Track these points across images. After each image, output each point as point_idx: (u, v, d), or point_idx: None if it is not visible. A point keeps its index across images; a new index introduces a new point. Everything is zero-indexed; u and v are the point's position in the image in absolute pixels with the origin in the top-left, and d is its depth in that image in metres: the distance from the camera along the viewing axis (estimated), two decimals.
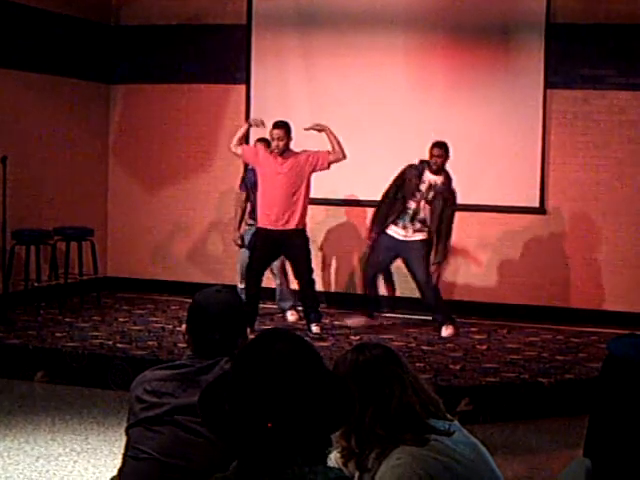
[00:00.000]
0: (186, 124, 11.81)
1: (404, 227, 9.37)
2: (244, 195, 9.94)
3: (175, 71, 11.86)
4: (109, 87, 12.18)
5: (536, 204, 10.81)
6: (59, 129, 11.30)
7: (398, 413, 2.94)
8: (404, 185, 9.35)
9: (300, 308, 9.86)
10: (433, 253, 9.41)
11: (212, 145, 11.29)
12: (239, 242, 9.92)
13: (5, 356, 8.64)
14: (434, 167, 9.27)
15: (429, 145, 9.36)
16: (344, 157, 9.18)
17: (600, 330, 9.95)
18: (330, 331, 9.62)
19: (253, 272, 9.28)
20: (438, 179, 9.32)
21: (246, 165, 10.13)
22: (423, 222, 9.35)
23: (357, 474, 2.96)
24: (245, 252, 9.77)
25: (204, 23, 11.74)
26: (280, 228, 9.05)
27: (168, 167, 11.86)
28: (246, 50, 11.58)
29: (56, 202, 11.18)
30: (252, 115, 11.45)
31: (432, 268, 9.43)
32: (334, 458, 2.98)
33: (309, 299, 9.38)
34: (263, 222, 9.14)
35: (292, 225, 9.07)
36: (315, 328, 9.32)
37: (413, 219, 9.34)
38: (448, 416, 3.07)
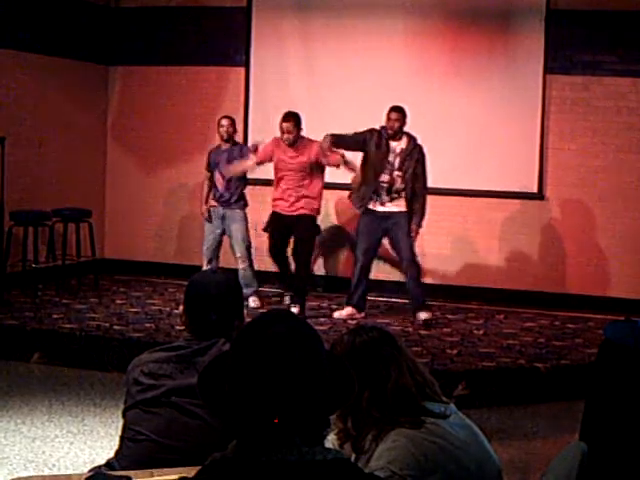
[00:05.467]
0: (185, 106, 11.80)
1: (382, 202, 9.21)
2: (209, 174, 10.06)
3: (174, 53, 11.83)
4: (108, 68, 12.16)
5: (534, 190, 10.81)
6: (58, 110, 11.28)
7: (394, 395, 2.95)
8: (369, 154, 9.18)
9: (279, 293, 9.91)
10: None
11: (211, 127, 11.24)
12: (206, 215, 10.08)
13: (2, 337, 8.63)
14: (390, 131, 9.13)
15: (386, 110, 9.24)
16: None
17: (597, 316, 9.97)
18: (327, 315, 9.68)
19: (276, 254, 9.64)
20: (401, 144, 9.19)
21: (210, 152, 10.16)
22: (399, 192, 9.19)
23: (353, 456, 2.97)
24: (209, 235, 10.02)
25: (204, 5, 11.72)
26: (291, 214, 9.39)
27: (166, 149, 11.85)
28: (246, 32, 11.56)
29: (54, 183, 11.17)
30: (252, 98, 11.48)
31: (412, 228, 9.21)
32: (331, 440, 2.99)
33: (297, 280, 9.49)
34: (277, 207, 9.50)
35: (301, 212, 9.36)
36: (294, 309, 9.13)
37: (389, 192, 9.19)
38: (444, 399, 3.08)
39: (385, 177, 9.16)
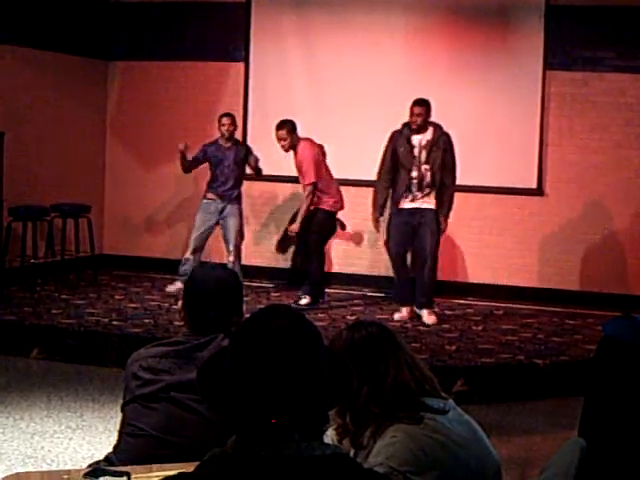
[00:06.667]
0: (184, 101, 11.78)
1: (413, 198, 9.03)
2: (191, 157, 10.29)
3: (174, 48, 11.81)
4: (107, 64, 12.14)
5: (533, 185, 10.80)
6: (57, 105, 11.27)
7: (393, 391, 2.95)
8: (397, 155, 9.03)
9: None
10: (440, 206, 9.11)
11: (210, 122, 11.22)
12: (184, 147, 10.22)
13: (1, 332, 8.63)
14: (414, 127, 8.96)
15: (410, 104, 9.08)
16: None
17: (596, 312, 9.96)
18: (328, 311, 9.69)
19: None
20: (426, 135, 9.01)
21: (208, 142, 10.40)
22: (430, 186, 9.01)
23: (352, 452, 2.97)
24: (201, 225, 10.23)
25: (203, 0, 11.70)
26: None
27: (166, 144, 11.81)
28: (245, 28, 11.54)
29: (53, 179, 11.16)
30: (251, 93, 11.48)
31: (440, 219, 9.07)
32: (330, 435, 2.99)
33: (309, 271, 9.90)
34: None
35: (314, 206, 9.75)
36: (301, 300, 9.74)
37: (420, 187, 9.00)
38: (443, 394, 3.08)
39: (414, 173, 9.01)
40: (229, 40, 11.65)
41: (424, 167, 9.01)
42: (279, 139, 9.64)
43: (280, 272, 11.48)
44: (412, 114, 9.01)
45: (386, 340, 3.07)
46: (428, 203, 9.06)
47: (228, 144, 10.16)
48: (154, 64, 11.94)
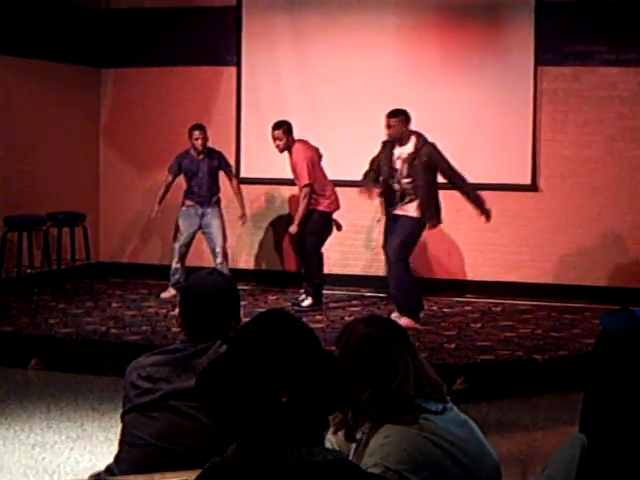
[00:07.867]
0: (177, 107, 11.77)
1: (394, 208, 8.92)
2: (171, 179, 10.51)
3: (166, 54, 11.81)
4: (100, 71, 12.13)
5: (527, 181, 10.81)
6: (50, 114, 11.25)
7: (393, 396, 2.94)
8: (379, 167, 8.95)
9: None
10: (477, 209, 8.95)
11: None
12: (157, 216, 10.61)
13: None
14: (388, 138, 8.82)
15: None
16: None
17: (593, 306, 9.97)
18: (326, 312, 9.70)
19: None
20: (407, 148, 8.78)
21: (180, 154, 10.50)
22: (412, 196, 8.81)
23: (353, 448, 2.98)
24: (185, 232, 10.44)
25: (194, 6, 11.69)
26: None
27: (160, 150, 11.80)
28: (237, 32, 11.54)
29: (47, 187, 11.14)
30: (244, 97, 11.48)
31: (483, 219, 8.93)
32: (328, 435, 2.99)
33: (308, 273, 9.97)
34: None
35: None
36: (304, 302, 9.85)
37: (402, 199, 8.86)
38: (448, 399, 3.06)
39: (396, 186, 8.85)
40: (221, 44, 11.66)
41: (404, 181, 8.81)
42: (275, 139, 9.65)
43: (276, 274, 11.48)
44: (385, 126, 8.82)
45: (398, 339, 3.03)
46: (404, 211, 8.87)
47: (201, 156, 10.31)
48: (147, 70, 11.93)
